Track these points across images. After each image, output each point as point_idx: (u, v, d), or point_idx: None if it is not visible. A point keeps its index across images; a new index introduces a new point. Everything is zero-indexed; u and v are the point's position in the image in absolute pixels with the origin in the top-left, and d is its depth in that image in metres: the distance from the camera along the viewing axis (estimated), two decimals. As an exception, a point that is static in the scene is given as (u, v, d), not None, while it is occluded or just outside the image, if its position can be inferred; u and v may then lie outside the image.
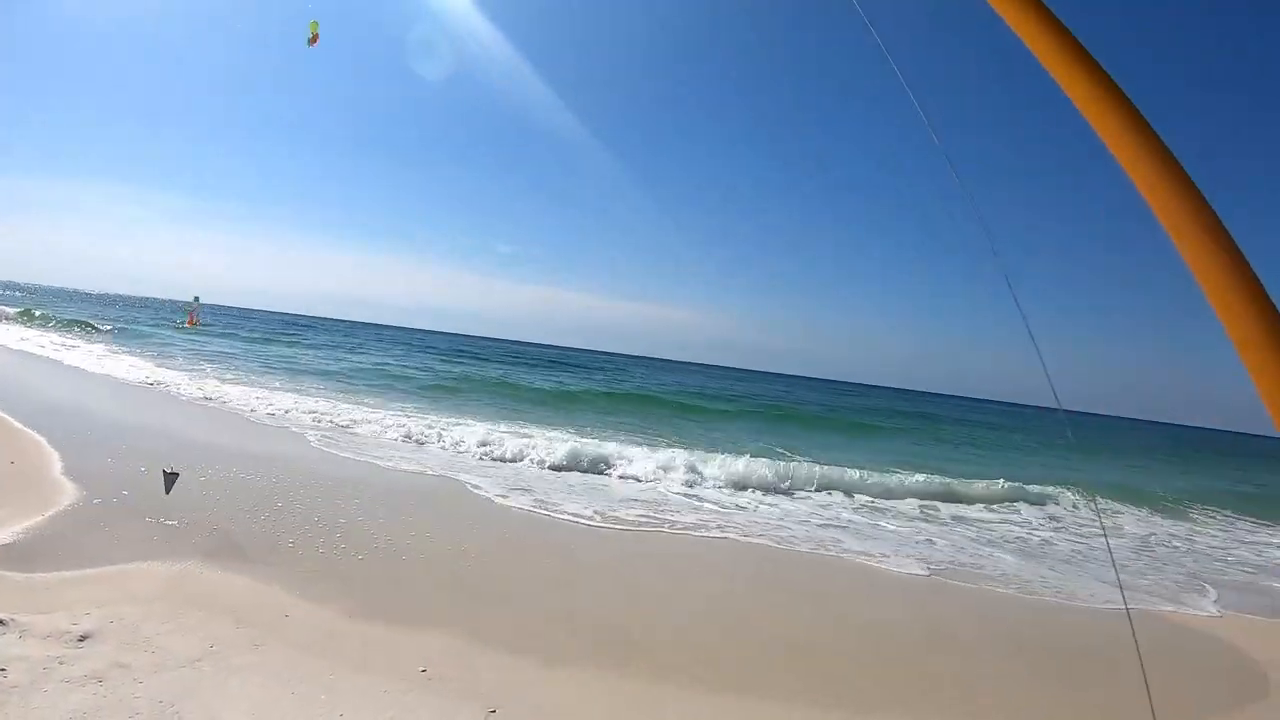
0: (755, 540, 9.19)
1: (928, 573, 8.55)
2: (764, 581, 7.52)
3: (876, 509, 12.67)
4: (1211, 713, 5.24)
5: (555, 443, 14.07)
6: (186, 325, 5.39)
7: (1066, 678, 5.68)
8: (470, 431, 14.66)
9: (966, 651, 6.04)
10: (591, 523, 8.99)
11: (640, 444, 15.94)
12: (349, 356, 37.68)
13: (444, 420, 16.56)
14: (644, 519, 9.58)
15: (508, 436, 14.56)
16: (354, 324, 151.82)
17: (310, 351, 37.13)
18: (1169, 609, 8.09)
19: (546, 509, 9.40)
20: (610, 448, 14.31)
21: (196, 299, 5.25)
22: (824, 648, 5.71)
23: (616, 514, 9.65)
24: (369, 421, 15.04)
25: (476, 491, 9.94)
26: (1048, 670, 5.83)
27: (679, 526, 9.42)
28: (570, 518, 9.10)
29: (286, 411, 15.29)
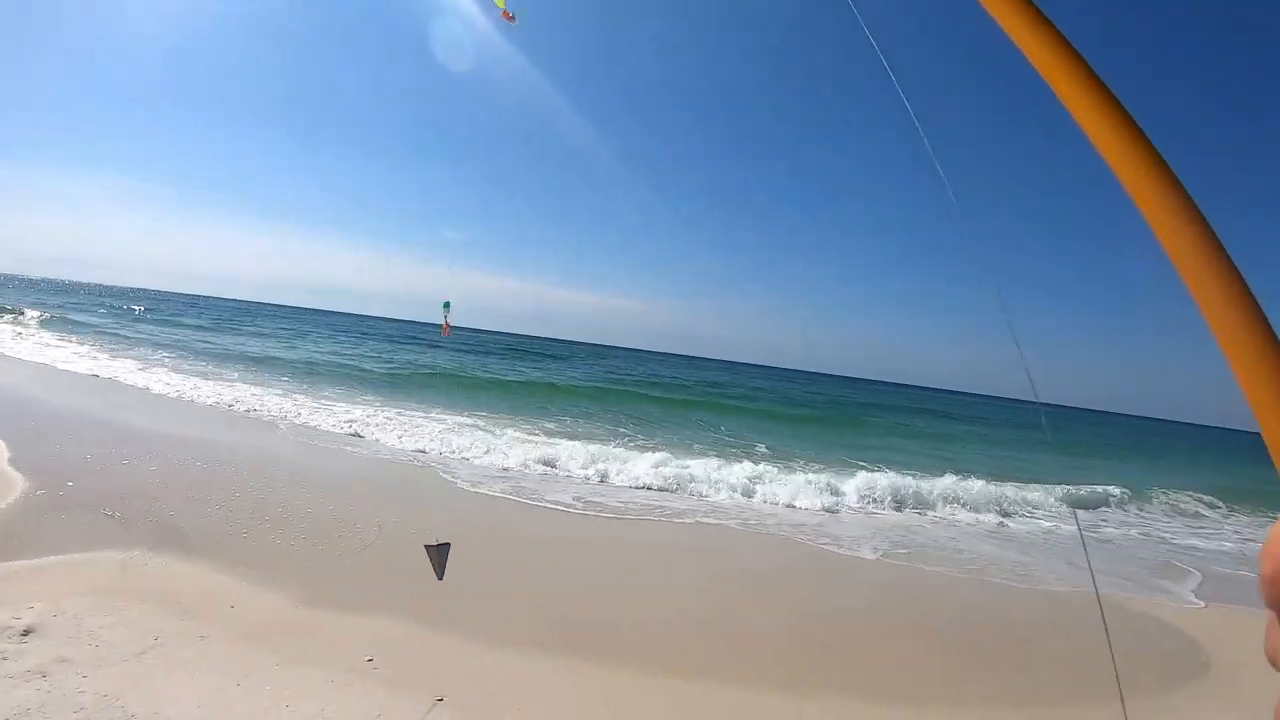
0: (714, 521, 9.49)
1: (875, 556, 8.94)
2: (720, 565, 7.79)
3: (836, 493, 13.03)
4: (1154, 691, 5.56)
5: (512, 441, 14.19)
6: (442, 335, 5.23)
7: (1020, 658, 6.06)
8: (438, 421, 14.72)
9: (913, 634, 6.39)
10: (558, 508, 9.17)
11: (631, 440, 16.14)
12: (300, 344, 37.02)
13: (407, 411, 16.54)
14: (605, 504, 9.80)
15: (469, 427, 14.65)
16: (306, 310, 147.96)
17: (261, 340, 36.24)
18: (1123, 595, 8.52)
19: (510, 494, 9.55)
20: (569, 446, 14.47)
21: (447, 305, 5.09)
22: (777, 630, 5.98)
23: (585, 499, 9.86)
24: (324, 410, 14.97)
25: (443, 478, 10.04)
26: (1000, 650, 6.21)
27: (636, 512, 9.65)
28: (537, 504, 9.27)
29: (236, 403, 15.10)
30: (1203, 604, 8.38)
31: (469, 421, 15.90)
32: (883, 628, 6.31)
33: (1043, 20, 0.54)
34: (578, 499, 9.82)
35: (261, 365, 23.57)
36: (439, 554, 4.93)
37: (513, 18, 5.25)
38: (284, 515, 7.16)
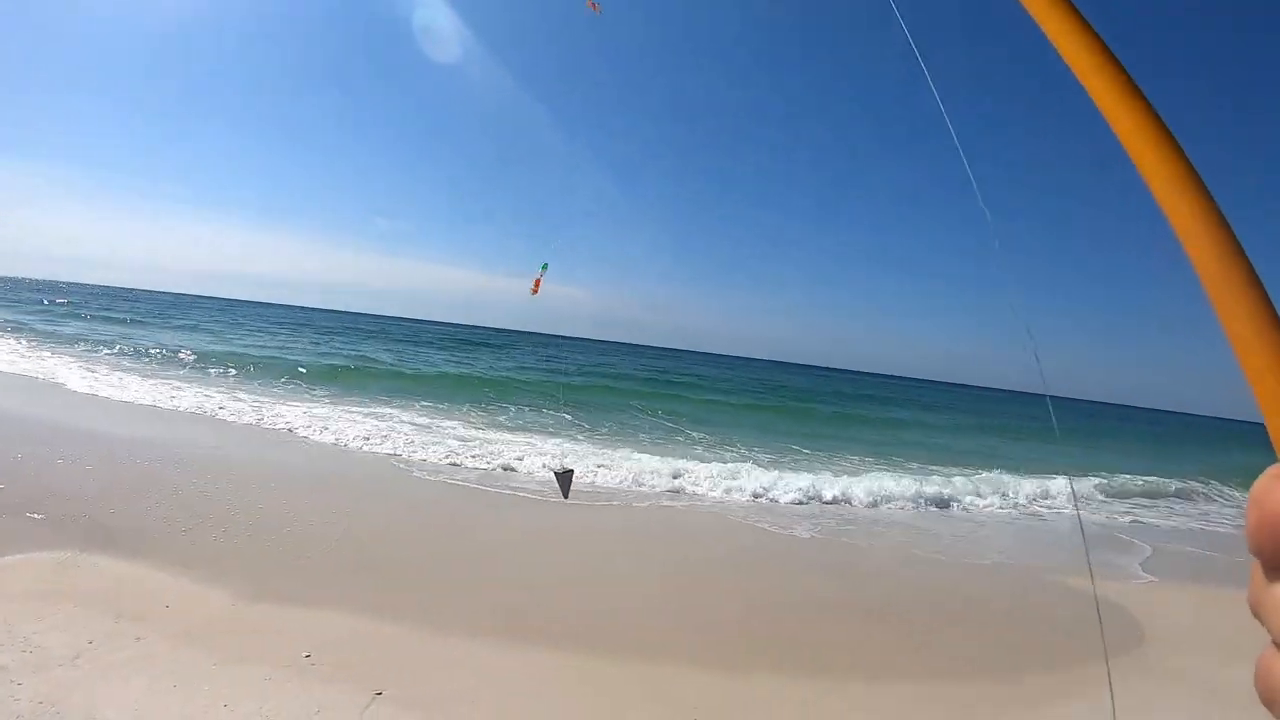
0: (645, 505, 9.80)
1: (810, 536, 9.39)
2: (661, 550, 8.09)
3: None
4: (1090, 660, 5.96)
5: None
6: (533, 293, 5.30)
7: (957, 632, 6.49)
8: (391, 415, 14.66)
9: (849, 611, 6.78)
10: (493, 489, 9.34)
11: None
12: (232, 336, 35.88)
13: (343, 403, 16.39)
14: (542, 489, 10.00)
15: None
16: (239, 303, 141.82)
17: (193, 334, 34.72)
18: (1066, 577, 8.98)
19: (447, 477, 9.68)
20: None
21: (545, 266, 5.18)
22: (720, 611, 6.29)
23: (521, 484, 10.04)
24: (259, 404, 14.78)
25: (377, 468, 10.09)
26: (943, 624, 6.64)
27: (577, 498, 9.89)
28: (467, 484, 9.42)
29: (172, 398, 14.77)
30: (1151, 579, 9.00)
31: (407, 414, 15.90)
32: (820, 606, 6.70)
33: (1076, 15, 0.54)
34: (511, 488, 10.02)
35: (196, 360, 22.83)
36: (565, 479, 5.23)
37: (598, 8, 5.29)
38: (223, 512, 7.15)
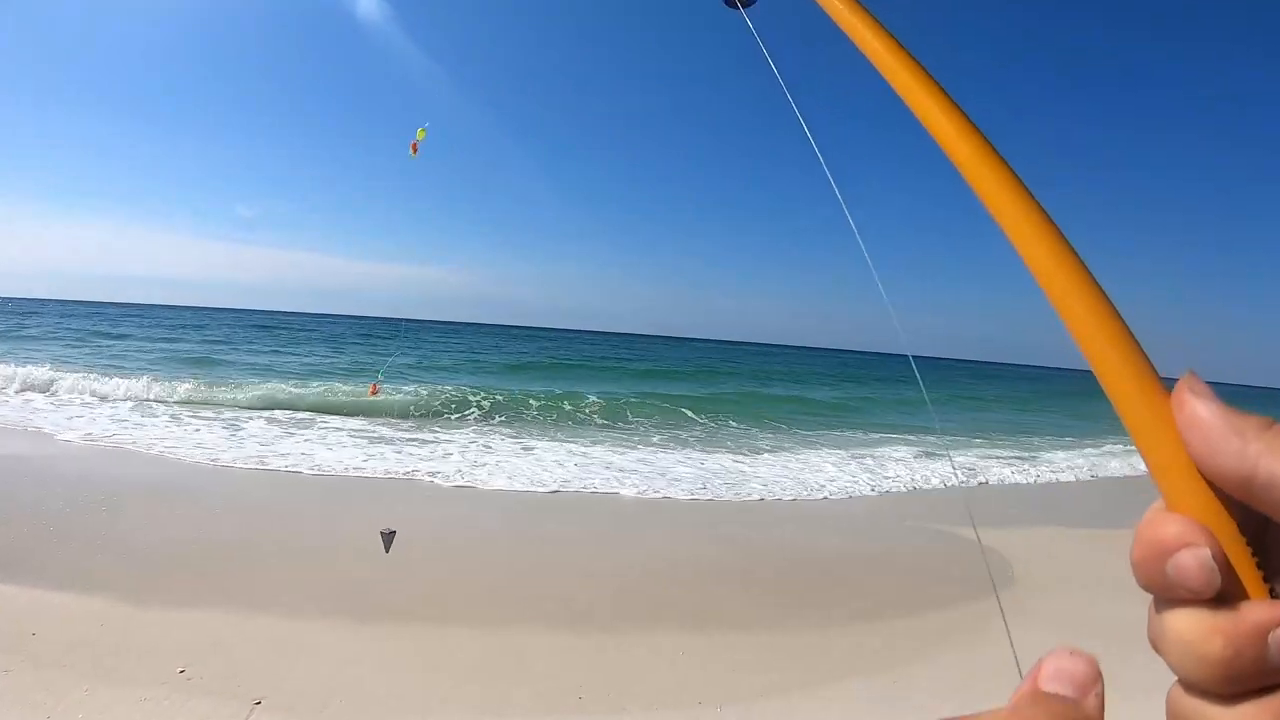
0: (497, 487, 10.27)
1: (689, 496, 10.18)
2: (497, 523, 8.61)
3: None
4: (967, 599, 6.86)
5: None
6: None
7: (824, 584, 7.37)
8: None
9: (715, 570, 7.56)
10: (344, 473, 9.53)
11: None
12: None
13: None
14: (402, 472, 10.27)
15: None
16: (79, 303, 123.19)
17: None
18: (942, 525, 10.04)
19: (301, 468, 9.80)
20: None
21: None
22: (573, 577, 6.87)
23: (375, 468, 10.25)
24: (83, 410, 14.12)
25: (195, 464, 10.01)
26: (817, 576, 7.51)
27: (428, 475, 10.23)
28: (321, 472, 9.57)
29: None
30: (1016, 529, 10.04)
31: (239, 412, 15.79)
32: (698, 570, 7.45)
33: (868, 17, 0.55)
34: (350, 467, 10.41)
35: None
36: (388, 539, 5.43)
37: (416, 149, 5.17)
38: (77, 527, 7.03)
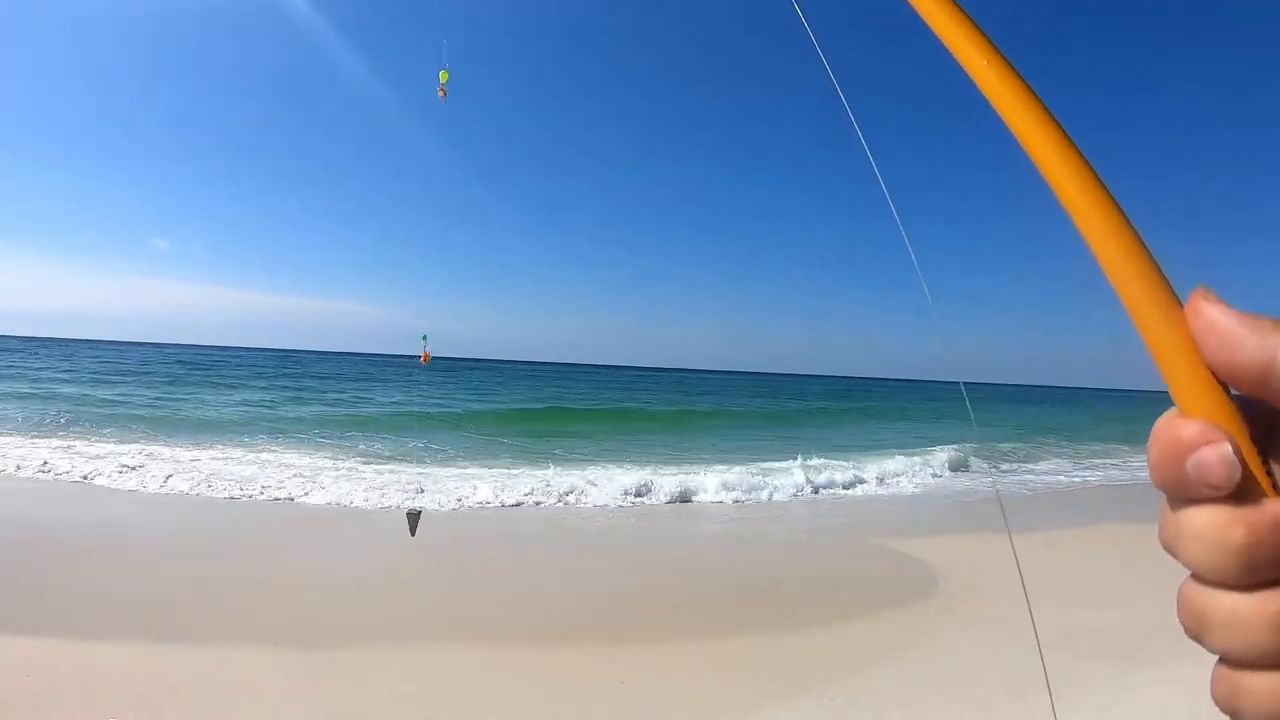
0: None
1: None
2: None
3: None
4: (889, 606, 6.71)
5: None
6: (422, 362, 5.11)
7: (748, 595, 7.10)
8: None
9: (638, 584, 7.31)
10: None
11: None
12: None
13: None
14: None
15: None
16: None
17: None
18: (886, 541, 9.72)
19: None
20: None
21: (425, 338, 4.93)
22: (495, 592, 6.63)
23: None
24: None
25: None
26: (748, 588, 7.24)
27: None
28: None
29: None
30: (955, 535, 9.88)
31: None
32: (620, 587, 7.21)
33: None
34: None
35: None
36: (413, 520, 5.24)
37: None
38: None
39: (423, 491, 10.81)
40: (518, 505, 10.79)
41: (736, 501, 12.10)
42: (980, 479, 16.28)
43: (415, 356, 5.93)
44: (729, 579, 7.50)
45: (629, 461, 15.47)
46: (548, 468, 13.79)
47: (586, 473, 13.11)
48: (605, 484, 12.00)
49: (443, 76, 5.29)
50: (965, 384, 1.29)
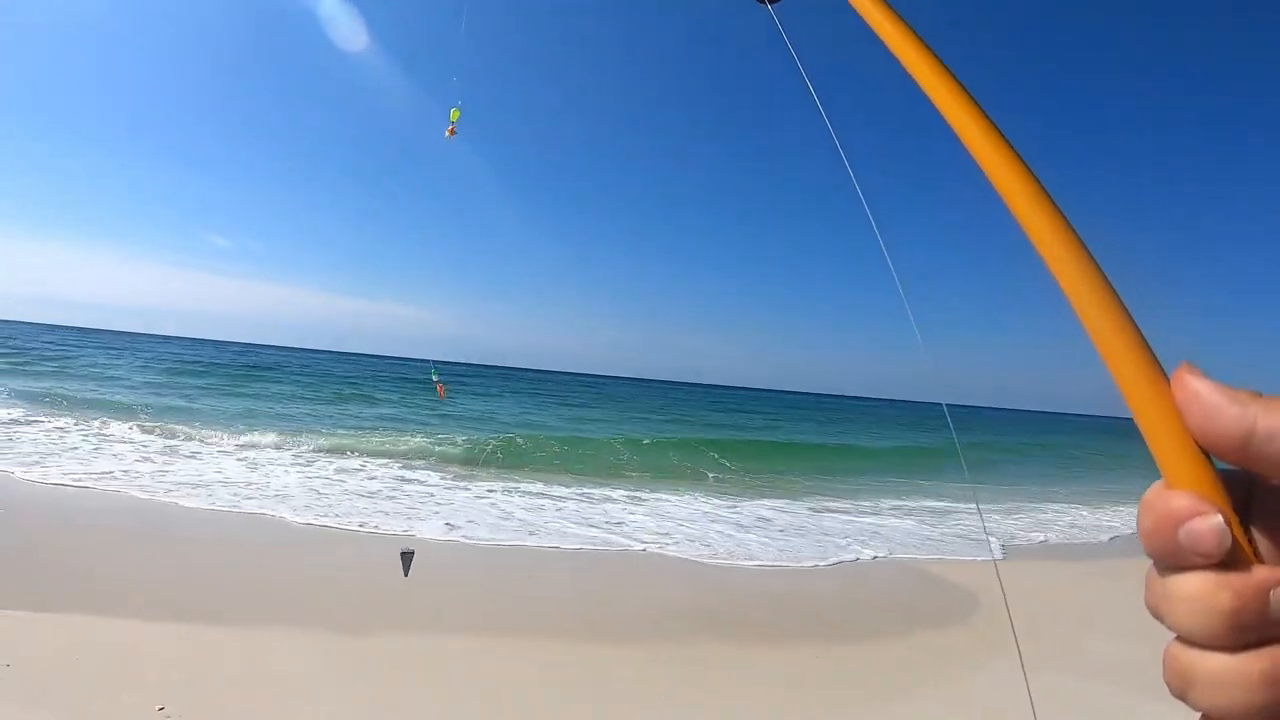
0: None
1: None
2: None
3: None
4: (923, 627, 6.58)
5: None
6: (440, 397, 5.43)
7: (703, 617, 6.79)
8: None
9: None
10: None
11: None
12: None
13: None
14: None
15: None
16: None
17: None
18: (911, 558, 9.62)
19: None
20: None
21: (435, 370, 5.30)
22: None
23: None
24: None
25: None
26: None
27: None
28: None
29: None
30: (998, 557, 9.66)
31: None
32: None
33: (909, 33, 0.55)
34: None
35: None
36: (407, 560, 5.33)
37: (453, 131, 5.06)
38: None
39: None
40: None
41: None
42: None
43: (437, 381, 5.71)
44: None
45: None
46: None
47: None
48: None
49: (454, 115, 5.08)
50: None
